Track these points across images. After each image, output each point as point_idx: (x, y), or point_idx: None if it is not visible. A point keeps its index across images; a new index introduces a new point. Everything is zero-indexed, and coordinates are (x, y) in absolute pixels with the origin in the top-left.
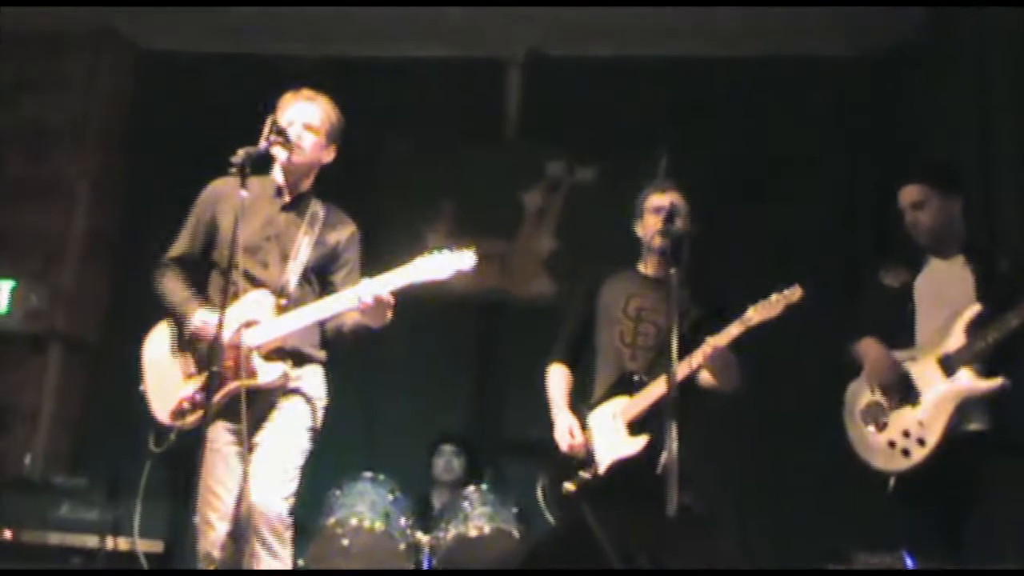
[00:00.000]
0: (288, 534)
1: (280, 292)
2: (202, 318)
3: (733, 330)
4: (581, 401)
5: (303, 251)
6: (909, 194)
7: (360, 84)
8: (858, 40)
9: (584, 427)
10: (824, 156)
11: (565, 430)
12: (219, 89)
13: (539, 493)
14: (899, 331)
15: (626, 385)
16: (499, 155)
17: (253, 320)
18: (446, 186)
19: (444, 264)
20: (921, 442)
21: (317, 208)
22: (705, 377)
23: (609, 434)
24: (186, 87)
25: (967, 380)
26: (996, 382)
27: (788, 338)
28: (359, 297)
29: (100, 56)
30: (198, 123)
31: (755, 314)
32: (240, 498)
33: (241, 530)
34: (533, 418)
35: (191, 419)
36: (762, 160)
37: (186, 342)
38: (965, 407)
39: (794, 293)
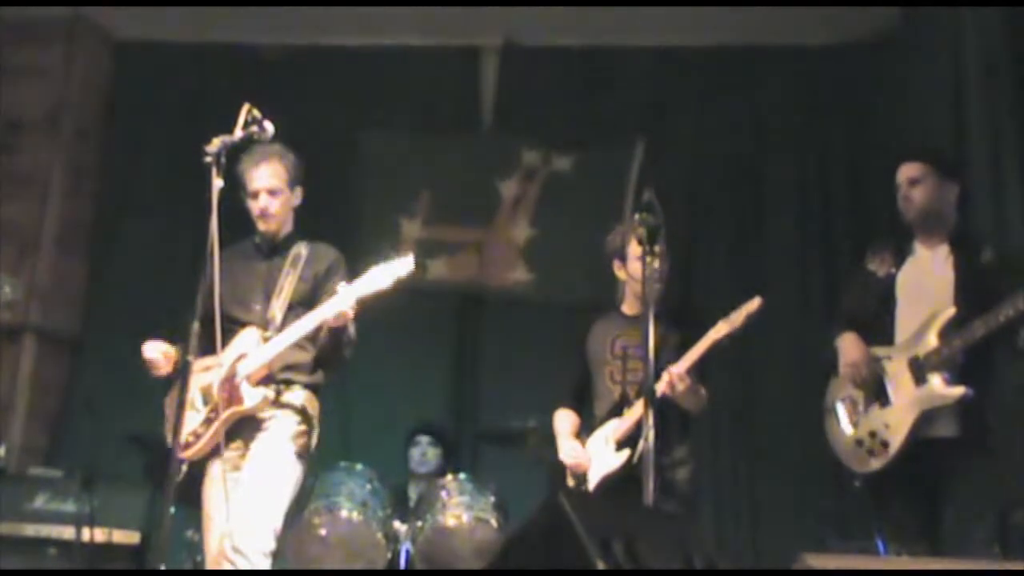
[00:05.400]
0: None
1: (266, 325)
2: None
3: (693, 354)
4: (585, 435)
5: (286, 288)
6: (907, 170)
7: (335, 73)
8: (834, 29)
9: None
10: (801, 144)
11: (570, 451)
12: (194, 78)
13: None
14: (881, 323)
15: (617, 410)
16: (475, 144)
17: (243, 354)
18: (422, 175)
19: (390, 272)
20: (885, 445)
21: (300, 249)
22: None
23: (599, 454)
24: (161, 76)
25: (933, 387)
26: (959, 391)
27: (764, 329)
28: (321, 318)
29: (74, 46)
30: (173, 112)
31: (719, 330)
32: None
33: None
34: (510, 406)
35: (192, 451)
36: (740, 149)
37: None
38: (933, 413)
39: (752, 304)
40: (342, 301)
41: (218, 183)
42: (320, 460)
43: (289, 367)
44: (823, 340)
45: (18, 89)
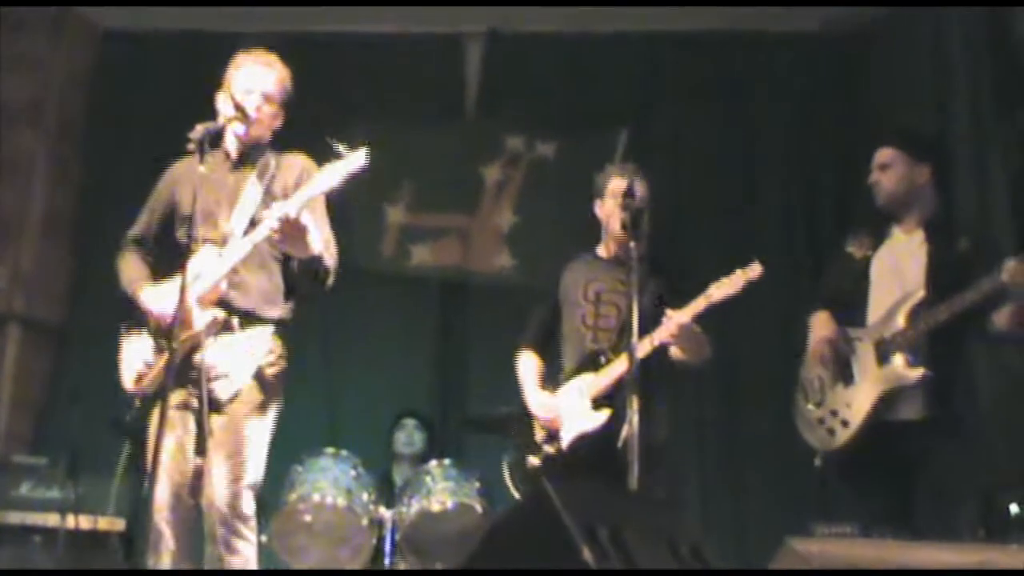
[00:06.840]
0: (249, 525)
1: (223, 243)
2: (147, 296)
3: (696, 305)
4: (550, 384)
5: (248, 201)
6: (879, 156)
7: (320, 61)
8: (821, 16)
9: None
10: (787, 131)
11: (539, 404)
12: (178, 67)
13: (505, 472)
14: (856, 305)
15: (592, 363)
16: (459, 130)
17: (198, 275)
18: (406, 161)
19: (340, 169)
20: (845, 424)
21: (269, 159)
22: (675, 351)
23: (574, 409)
24: (145, 65)
25: (895, 367)
26: (919, 372)
27: (749, 311)
28: (268, 226)
29: (59, 34)
30: (157, 100)
31: (717, 291)
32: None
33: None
34: (495, 393)
35: (146, 382)
36: (727, 133)
37: (141, 319)
38: (898, 395)
39: (753, 270)
40: (286, 204)
41: (201, 169)
42: (304, 445)
43: (250, 297)
44: (804, 320)
45: (3, 77)
